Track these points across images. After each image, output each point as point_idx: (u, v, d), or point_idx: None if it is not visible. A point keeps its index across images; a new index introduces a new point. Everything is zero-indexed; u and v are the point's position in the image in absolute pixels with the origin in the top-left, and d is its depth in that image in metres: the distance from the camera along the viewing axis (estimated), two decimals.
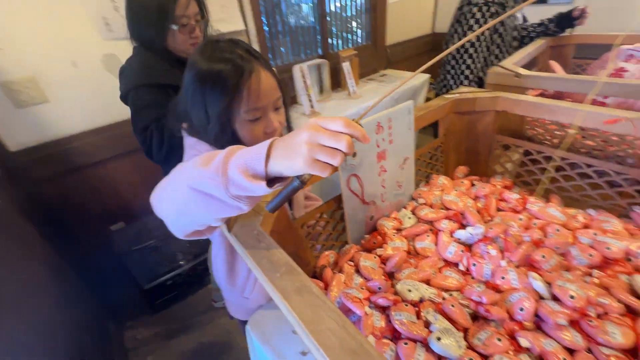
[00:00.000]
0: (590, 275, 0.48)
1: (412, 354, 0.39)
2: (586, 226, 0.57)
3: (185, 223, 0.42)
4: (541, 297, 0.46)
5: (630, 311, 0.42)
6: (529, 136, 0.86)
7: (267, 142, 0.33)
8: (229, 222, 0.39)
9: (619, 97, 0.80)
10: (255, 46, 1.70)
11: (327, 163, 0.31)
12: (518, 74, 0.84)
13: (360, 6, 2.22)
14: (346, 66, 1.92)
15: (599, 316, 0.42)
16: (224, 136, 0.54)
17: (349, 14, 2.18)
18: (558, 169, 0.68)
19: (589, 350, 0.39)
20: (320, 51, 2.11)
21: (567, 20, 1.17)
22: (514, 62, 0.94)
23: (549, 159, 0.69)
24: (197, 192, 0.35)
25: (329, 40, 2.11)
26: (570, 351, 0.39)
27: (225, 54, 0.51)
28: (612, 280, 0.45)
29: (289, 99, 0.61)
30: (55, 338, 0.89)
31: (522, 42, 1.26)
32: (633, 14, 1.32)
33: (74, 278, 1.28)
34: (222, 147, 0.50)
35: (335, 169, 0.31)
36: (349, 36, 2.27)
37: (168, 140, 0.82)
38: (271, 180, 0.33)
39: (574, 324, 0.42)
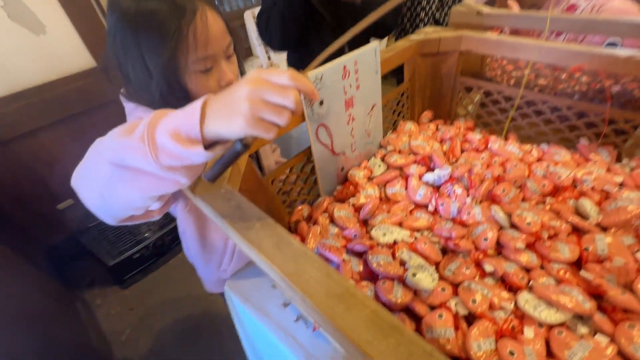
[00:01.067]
0: (543, 202, 0.53)
1: (391, 290, 0.41)
2: (540, 159, 0.62)
3: (114, 208, 0.36)
4: (502, 228, 0.49)
5: (575, 229, 0.47)
6: (489, 78, 0.87)
7: (200, 100, 0.28)
8: (192, 185, 0.36)
9: (571, 32, 0.83)
10: None
11: (271, 122, 0.27)
12: (479, 11, 0.82)
13: None
14: None
15: (550, 237, 0.46)
16: (173, 94, 0.46)
17: None
18: (517, 108, 0.70)
19: (542, 267, 0.44)
20: None
21: None
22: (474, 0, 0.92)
23: (508, 99, 0.71)
24: (121, 168, 0.30)
25: None
26: (527, 270, 0.44)
27: None
28: (561, 205, 0.50)
29: (241, 47, 0.54)
30: (17, 334, 0.83)
31: None
32: None
33: (26, 266, 1.17)
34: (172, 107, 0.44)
35: (280, 129, 0.28)
36: None
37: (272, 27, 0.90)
38: (210, 145, 0.29)
39: (530, 246, 0.46)
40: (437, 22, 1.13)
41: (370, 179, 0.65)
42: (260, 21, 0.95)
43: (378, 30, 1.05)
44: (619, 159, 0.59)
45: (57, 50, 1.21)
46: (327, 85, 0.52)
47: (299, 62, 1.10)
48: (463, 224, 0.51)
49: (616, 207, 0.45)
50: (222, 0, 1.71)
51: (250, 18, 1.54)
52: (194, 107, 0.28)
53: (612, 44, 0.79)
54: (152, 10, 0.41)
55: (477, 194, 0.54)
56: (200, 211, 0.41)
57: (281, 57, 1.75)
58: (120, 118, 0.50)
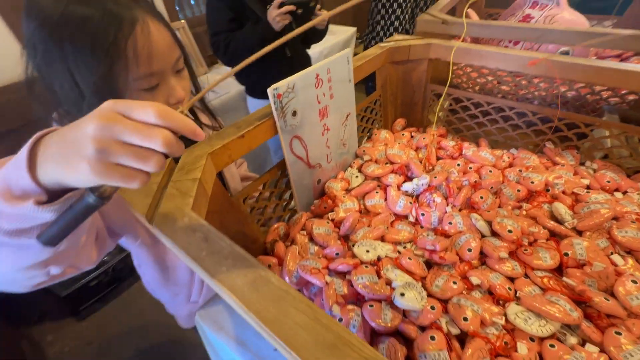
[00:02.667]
0: (519, 208, 0.53)
1: (379, 314, 0.38)
2: (511, 164, 0.63)
3: None
4: (483, 236, 0.49)
5: (553, 235, 0.47)
6: (455, 84, 0.90)
7: (31, 140, 0.22)
8: (149, 213, 0.31)
9: (528, 41, 0.87)
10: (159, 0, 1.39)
11: (134, 169, 0.21)
12: (445, 20, 0.84)
13: None
14: None
15: (530, 244, 0.46)
16: None
17: None
18: (485, 113, 0.72)
19: (526, 276, 0.43)
20: None
21: None
22: (439, 8, 0.94)
23: (476, 105, 0.72)
24: None
25: None
26: (512, 280, 0.43)
27: None
28: (537, 210, 0.50)
29: (193, 59, 0.48)
30: None
31: None
32: None
33: None
34: None
35: (149, 176, 0.23)
36: None
37: (231, 53, 1.04)
38: (56, 196, 0.23)
39: (512, 254, 0.45)
40: (407, 33, 1.16)
41: (348, 190, 0.62)
42: (217, 41, 1.03)
43: (315, 36, 1.21)
44: (582, 162, 0.62)
45: None
46: (300, 95, 0.49)
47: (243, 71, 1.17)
48: (445, 234, 0.50)
49: (589, 211, 0.46)
50: (182, 5, 1.63)
51: None
52: (22, 150, 0.22)
53: (565, 52, 0.84)
54: (80, 17, 0.33)
55: (456, 202, 0.54)
56: (155, 239, 0.35)
57: None
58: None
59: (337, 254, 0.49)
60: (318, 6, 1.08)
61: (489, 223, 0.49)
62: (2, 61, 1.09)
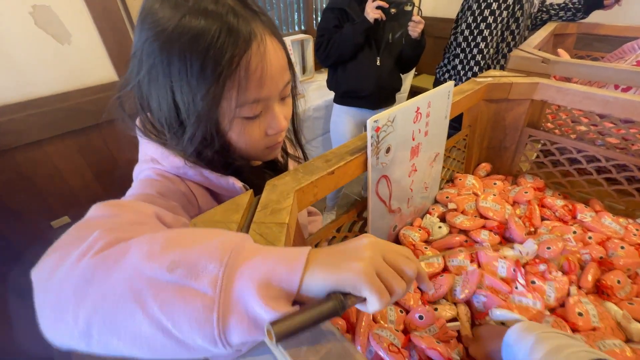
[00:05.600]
0: None
1: None
2: None
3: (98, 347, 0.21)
4: (628, 340, 0.36)
5: None
6: (546, 128, 0.78)
7: (303, 249, 0.22)
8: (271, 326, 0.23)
9: None
10: None
11: (389, 286, 0.22)
12: (545, 59, 0.74)
13: None
14: None
15: None
16: (206, 143, 0.34)
17: None
18: (599, 170, 0.59)
19: None
20: (303, 26, 1.91)
21: (595, 3, 1.08)
22: (532, 45, 0.85)
23: (590, 160, 0.60)
24: (154, 326, 0.18)
25: (314, 15, 1.91)
26: None
27: (205, 2, 0.30)
28: None
29: (296, 80, 0.42)
30: None
31: (532, 28, 1.17)
32: (630, 7, 1.28)
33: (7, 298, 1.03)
34: (201, 158, 0.32)
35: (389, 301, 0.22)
36: None
37: (329, 49, 1.17)
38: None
39: None
40: (489, 68, 1.07)
41: (428, 242, 0.53)
42: (321, 41, 1.18)
43: (410, 56, 1.20)
44: None
45: (79, 60, 1.15)
46: (398, 129, 0.41)
47: (335, 75, 1.28)
48: (573, 327, 0.38)
49: None
50: None
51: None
52: (295, 253, 0.21)
53: None
54: (195, 29, 0.29)
55: (582, 283, 0.42)
56: None
57: (305, 87, 1.70)
58: (135, 140, 0.39)
59: (420, 317, 0.39)
60: (416, 13, 1.08)
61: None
62: (89, 65, 1.18)
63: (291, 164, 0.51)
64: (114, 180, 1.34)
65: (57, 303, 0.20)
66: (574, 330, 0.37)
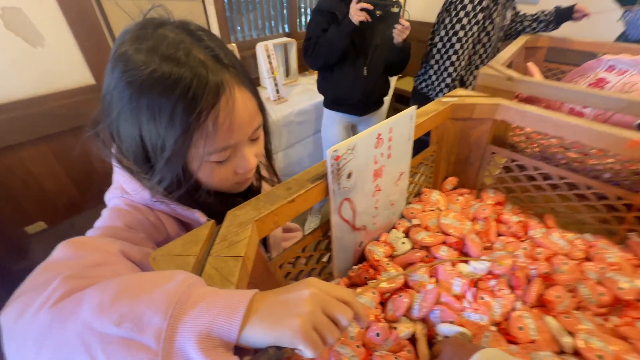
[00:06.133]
0: (601, 316, 0.44)
1: None
2: (587, 256, 0.54)
3: None
4: (562, 352, 0.40)
5: None
6: (512, 143, 0.82)
7: (246, 296, 0.23)
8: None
9: (598, 108, 0.79)
10: (213, 19, 1.45)
11: (322, 338, 0.24)
12: (510, 77, 0.78)
13: None
14: None
15: None
16: (174, 183, 0.35)
17: None
18: (554, 187, 0.64)
19: None
20: (286, 28, 1.91)
21: (565, 16, 1.16)
22: (501, 62, 0.89)
23: (545, 177, 0.64)
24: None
25: (297, 19, 1.91)
26: None
27: (178, 53, 0.30)
28: (630, 330, 0.41)
29: (268, 119, 0.43)
30: None
31: (506, 38, 1.22)
32: (610, 24, 1.35)
33: None
34: (170, 194, 0.34)
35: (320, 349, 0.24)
36: None
37: (316, 52, 1.14)
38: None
39: None
40: (462, 81, 1.10)
41: (391, 257, 0.55)
42: (308, 45, 1.17)
43: (396, 62, 1.19)
44: None
45: (53, 64, 1.13)
46: (358, 156, 0.44)
47: (324, 80, 1.28)
48: (512, 341, 0.41)
49: None
50: (234, 29, 1.69)
51: (262, 50, 1.51)
52: (237, 302, 0.22)
53: None
54: (168, 81, 0.29)
55: (527, 297, 0.45)
56: None
57: (288, 90, 1.71)
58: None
59: (377, 334, 0.42)
60: (402, 16, 1.03)
61: (572, 336, 0.40)
62: (64, 68, 1.15)
63: (266, 187, 0.53)
64: (91, 184, 1.32)
65: (19, 349, 0.22)
66: (514, 342, 0.41)
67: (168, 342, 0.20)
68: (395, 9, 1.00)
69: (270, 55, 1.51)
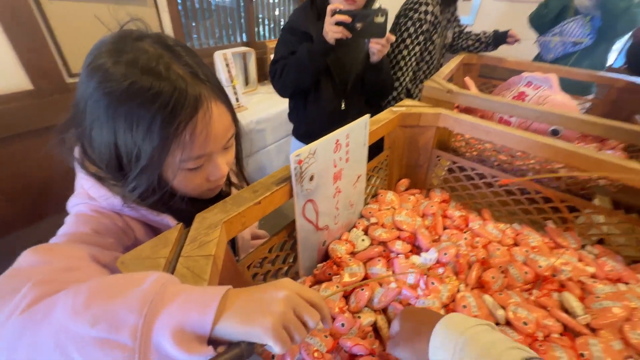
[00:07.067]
0: (527, 291, 0.52)
1: None
2: (515, 241, 0.63)
3: None
4: (497, 323, 0.47)
5: (566, 329, 0.46)
6: (454, 148, 0.93)
7: (219, 291, 0.25)
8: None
9: (521, 117, 0.93)
10: (167, 25, 1.41)
11: (290, 337, 0.26)
12: (450, 90, 0.88)
13: None
14: None
15: (544, 337, 0.45)
16: (149, 191, 0.36)
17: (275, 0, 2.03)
18: (489, 185, 0.73)
19: None
20: (244, 37, 1.92)
21: (501, 40, 1.34)
22: (442, 76, 1.00)
23: (481, 176, 0.74)
24: None
25: (255, 28, 1.94)
26: None
27: (159, 67, 0.32)
28: (547, 299, 0.49)
29: (240, 129, 0.46)
30: None
31: (453, 52, 1.38)
32: (530, 47, 1.59)
33: None
34: (143, 201, 0.34)
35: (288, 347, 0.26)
36: (278, 26, 2.13)
37: (284, 76, 0.96)
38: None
39: None
40: (409, 93, 1.21)
41: (353, 254, 0.60)
42: (275, 68, 0.98)
43: (374, 97, 1.09)
44: (582, 245, 0.63)
45: None
46: (319, 160, 0.47)
47: (295, 110, 1.13)
48: None
49: (602, 308, 0.46)
50: (191, 37, 1.66)
51: (221, 59, 1.51)
52: (210, 297, 0.24)
53: (555, 130, 0.90)
54: (147, 93, 0.30)
55: (468, 280, 0.52)
56: None
57: (247, 99, 1.72)
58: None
59: (342, 324, 0.45)
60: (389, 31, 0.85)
61: (503, 309, 0.47)
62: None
63: (235, 192, 0.54)
64: (24, 200, 1.19)
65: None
66: None
67: (145, 339, 0.21)
68: (379, 19, 0.79)
69: (229, 64, 1.51)
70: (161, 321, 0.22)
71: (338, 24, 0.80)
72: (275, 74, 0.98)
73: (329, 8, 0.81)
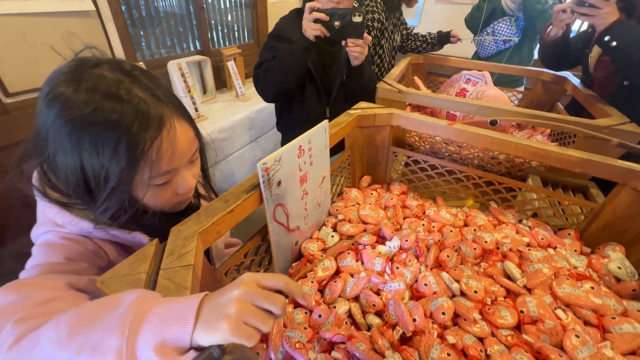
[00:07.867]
0: (478, 265, 0.60)
1: None
2: (465, 222, 0.71)
3: None
4: (454, 296, 0.54)
5: (508, 292, 0.54)
6: (410, 143, 1.01)
7: (194, 302, 0.25)
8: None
9: (463, 112, 1.04)
10: (114, 36, 1.35)
11: (255, 328, 0.26)
12: (400, 90, 0.96)
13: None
14: (231, 65, 1.79)
15: (492, 302, 0.52)
16: (119, 210, 0.37)
17: (227, 5, 2.02)
18: (440, 175, 0.82)
19: (492, 334, 0.48)
20: (198, 46, 1.89)
21: (445, 39, 1.47)
22: (393, 77, 1.08)
23: (433, 167, 0.82)
24: None
25: (209, 35, 1.91)
26: (481, 339, 0.48)
27: (120, 92, 0.33)
28: (493, 269, 0.57)
29: (203, 143, 0.48)
30: None
31: (404, 52, 1.48)
32: (469, 46, 1.75)
33: None
34: (113, 221, 0.35)
35: (262, 336, 0.28)
36: (233, 33, 2.11)
37: (267, 78, 0.97)
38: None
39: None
40: None
41: (324, 250, 0.64)
42: (258, 72, 0.99)
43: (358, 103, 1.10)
44: (519, 220, 0.73)
45: None
46: (285, 166, 0.51)
47: (282, 118, 1.15)
48: (421, 296, 0.53)
49: (534, 270, 0.55)
50: (140, 47, 1.60)
51: (175, 69, 1.47)
52: (186, 309, 0.24)
53: (494, 121, 1.01)
54: (111, 117, 0.31)
55: (428, 261, 0.58)
56: None
57: (207, 108, 1.70)
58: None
59: (319, 315, 0.49)
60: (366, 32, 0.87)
61: (458, 282, 0.54)
62: None
63: (204, 204, 0.56)
64: None
65: None
66: (423, 296, 0.53)
67: (130, 357, 0.23)
68: (357, 18, 0.82)
69: (185, 74, 1.48)
70: (143, 339, 0.23)
71: (316, 21, 0.83)
72: (259, 77, 0.99)
73: (307, 5, 0.84)
